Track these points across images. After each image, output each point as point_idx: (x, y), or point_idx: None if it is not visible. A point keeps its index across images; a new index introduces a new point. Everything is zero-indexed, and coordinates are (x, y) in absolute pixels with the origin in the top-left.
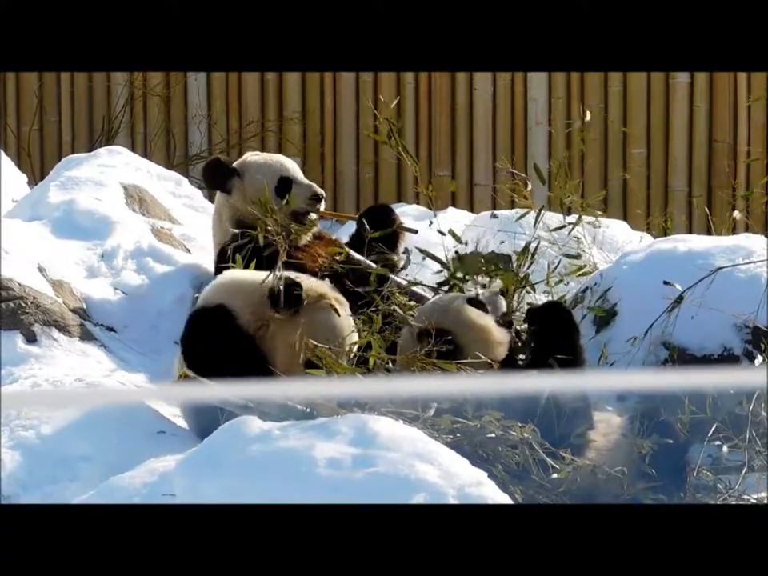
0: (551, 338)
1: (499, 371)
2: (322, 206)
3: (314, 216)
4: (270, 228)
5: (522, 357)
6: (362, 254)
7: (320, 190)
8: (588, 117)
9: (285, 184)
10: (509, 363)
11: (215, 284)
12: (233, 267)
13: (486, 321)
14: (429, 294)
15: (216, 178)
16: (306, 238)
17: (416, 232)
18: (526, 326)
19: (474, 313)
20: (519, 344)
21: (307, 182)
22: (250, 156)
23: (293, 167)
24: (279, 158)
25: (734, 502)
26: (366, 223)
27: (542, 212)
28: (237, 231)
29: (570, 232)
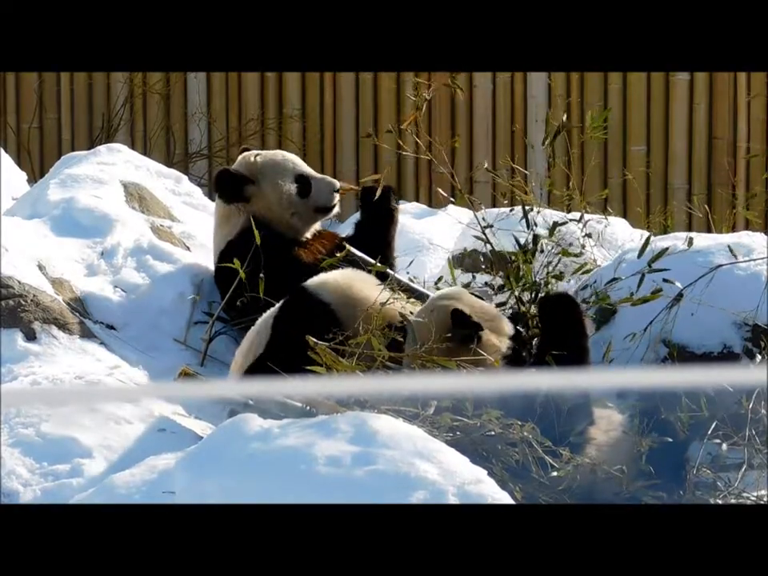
0: (560, 332)
1: (502, 368)
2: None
3: (336, 209)
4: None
5: (527, 348)
6: (363, 237)
7: (336, 182)
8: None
9: (303, 181)
10: (514, 358)
11: None
12: (234, 266)
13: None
14: (429, 291)
15: (231, 189)
16: (307, 235)
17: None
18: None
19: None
20: (525, 336)
21: (318, 174)
22: (253, 158)
23: (300, 161)
24: (284, 155)
25: (733, 500)
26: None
27: (531, 210)
28: (241, 230)
29: (561, 225)
